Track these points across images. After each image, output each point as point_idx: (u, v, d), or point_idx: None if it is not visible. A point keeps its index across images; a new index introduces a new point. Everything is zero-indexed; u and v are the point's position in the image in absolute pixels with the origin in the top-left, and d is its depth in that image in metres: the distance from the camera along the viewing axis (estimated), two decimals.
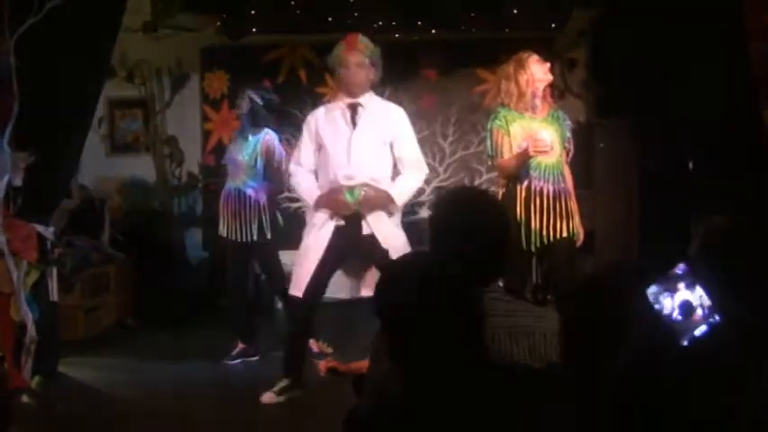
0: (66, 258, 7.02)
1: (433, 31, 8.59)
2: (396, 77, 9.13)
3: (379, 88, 8.97)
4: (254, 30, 8.54)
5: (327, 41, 9.03)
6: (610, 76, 7.84)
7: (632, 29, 6.98)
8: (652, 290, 2.09)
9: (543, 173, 5.29)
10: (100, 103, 6.79)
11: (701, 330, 2.12)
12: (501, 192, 5.41)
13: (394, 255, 5.01)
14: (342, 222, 5.26)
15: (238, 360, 6.51)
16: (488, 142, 5.47)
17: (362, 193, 5.18)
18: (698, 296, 2.16)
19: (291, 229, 8.58)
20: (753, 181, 5.07)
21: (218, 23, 8.33)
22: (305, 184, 5.48)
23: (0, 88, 5.57)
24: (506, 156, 5.32)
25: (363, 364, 3.52)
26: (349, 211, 5.21)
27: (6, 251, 5.64)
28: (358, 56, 5.38)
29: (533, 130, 5.22)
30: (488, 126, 5.48)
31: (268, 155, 6.43)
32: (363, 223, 5.26)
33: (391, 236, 5.26)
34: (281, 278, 6.62)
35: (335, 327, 6.96)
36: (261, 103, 6.52)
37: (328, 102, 5.67)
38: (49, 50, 5.60)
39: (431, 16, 7.92)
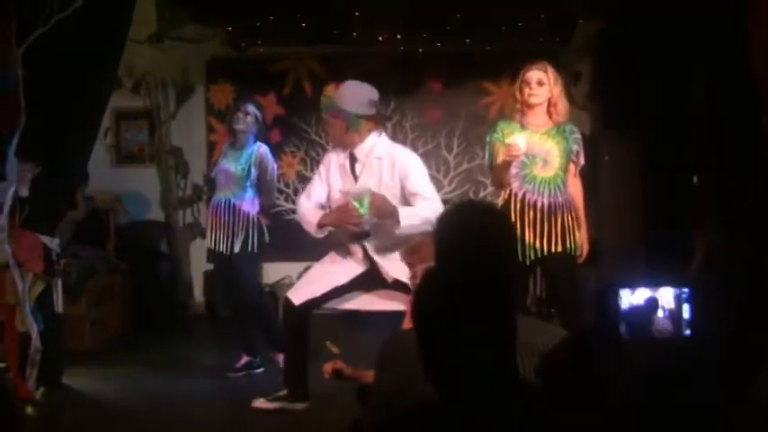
0: (71, 269, 7.04)
1: (438, 44, 8.61)
2: (401, 90, 9.18)
3: (385, 101, 9.07)
4: (259, 42, 8.58)
5: (333, 53, 9.14)
6: (615, 89, 7.84)
7: (637, 42, 6.98)
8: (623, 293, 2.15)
9: (538, 186, 5.32)
10: (106, 114, 6.80)
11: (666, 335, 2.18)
12: (500, 203, 5.44)
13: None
14: (356, 264, 5.19)
15: (242, 372, 6.50)
16: (487, 155, 5.55)
17: (370, 198, 4.99)
18: (659, 295, 2.20)
19: (293, 239, 8.63)
20: (755, 193, 5.07)
21: (224, 35, 8.35)
22: (307, 208, 5.37)
23: (7, 99, 5.59)
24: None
25: (370, 373, 3.51)
26: (358, 222, 5.04)
27: (12, 262, 5.66)
28: (324, 110, 5.29)
29: (534, 142, 5.27)
30: (487, 139, 5.54)
31: (262, 166, 6.42)
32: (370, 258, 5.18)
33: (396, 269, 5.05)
34: (251, 291, 6.60)
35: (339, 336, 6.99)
36: (261, 118, 6.55)
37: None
38: (56, 61, 5.62)
39: (435, 29, 7.94)
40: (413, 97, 9.21)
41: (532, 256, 5.27)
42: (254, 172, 6.39)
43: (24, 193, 5.65)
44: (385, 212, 5.01)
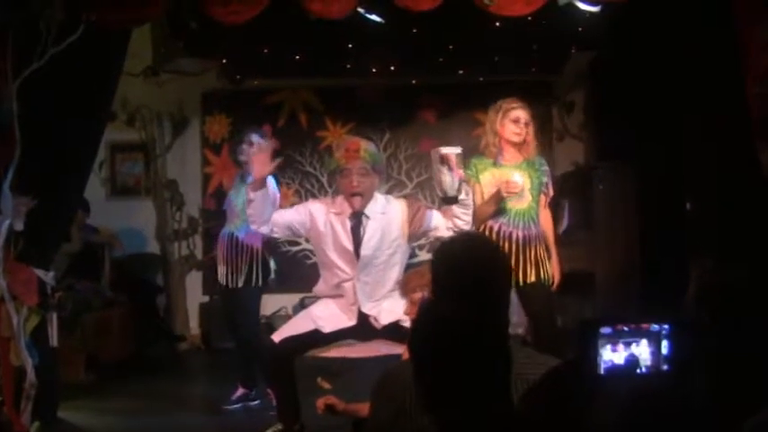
0: (66, 302, 7.02)
1: (431, 76, 8.67)
2: (395, 121, 9.22)
3: (379, 132, 9.11)
4: (254, 74, 8.61)
5: (328, 86, 9.19)
6: (608, 119, 7.87)
7: (630, 72, 7.02)
8: (604, 331, 2.17)
9: (513, 218, 5.41)
10: (101, 147, 6.80)
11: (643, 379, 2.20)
12: None
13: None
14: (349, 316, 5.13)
15: (238, 405, 6.46)
16: None
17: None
18: (640, 351, 2.23)
19: (289, 271, 8.62)
20: (751, 224, 5.09)
21: (219, 68, 8.39)
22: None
23: (2, 133, 5.59)
24: (478, 203, 5.39)
25: (363, 407, 3.51)
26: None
27: (7, 296, 5.64)
28: (360, 163, 5.06)
29: (504, 175, 5.35)
30: None
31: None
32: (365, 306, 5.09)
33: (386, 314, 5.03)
34: (253, 326, 6.55)
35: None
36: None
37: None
38: (51, 95, 5.63)
39: (428, 61, 7.97)
40: (407, 128, 9.25)
41: None
42: None
43: (19, 226, 5.64)
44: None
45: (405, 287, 4.24)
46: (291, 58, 7.79)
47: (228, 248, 6.35)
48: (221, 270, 6.40)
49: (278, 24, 6.27)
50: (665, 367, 2.26)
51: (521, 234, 5.39)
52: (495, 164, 5.47)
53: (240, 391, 6.49)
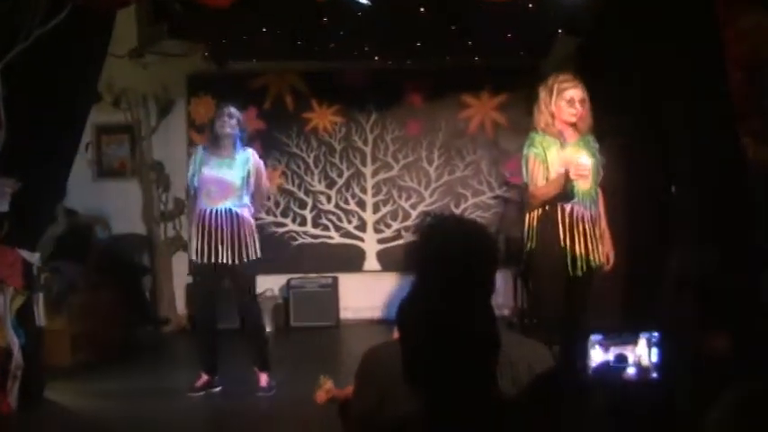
0: (52, 283, 7.01)
1: (418, 59, 8.66)
2: (381, 103, 9.22)
3: (365, 114, 9.12)
4: (239, 57, 8.59)
5: (314, 68, 9.17)
6: (595, 102, 7.88)
7: (617, 56, 7.04)
8: (594, 338, 2.18)
9: (582, 199, 5.27)
10: (87, 129, 6.78)
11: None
12: (532, 215, 5.34)
13: None
14: None
15: (202, 392, 6.32)
16: (524, 169, 5.38)
17: None
18: (632, 354, 2.25)
19: (274, 252, 8.64)
20: (732, 208, 5.12)
21: (205, 50, 8.36)
22: None
23: None
24: (540, 182, 5.26)
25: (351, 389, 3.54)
26: None
27: None
28: None
29: (568, 155, 5.22)
30: (524, 152, 5.38)
31: (259, 173, 6.33)
32: None
33: None
34: (256, 302, 6.65)
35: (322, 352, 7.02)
36: (242, 121, 6.40)
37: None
38: (36, 77, 5.62)
39: (414, 45, 7.97)
40: (393, 111, 9.25)
41: (584, 269, 5.24)
42: (252, 180, 6.28)
43: (4, 208, 5.65)
44: None
45: None
46: (277, 41, 7.77)
47: (228, 224, 6.20)
48: (215, 246, 6.18)
49: (263, 7, 6.26)
50: (654, 375, 2.28)
51: (588, 214, 5.28)
52: (557, 141, 5.28)
53: (204, 378, 6.39)
